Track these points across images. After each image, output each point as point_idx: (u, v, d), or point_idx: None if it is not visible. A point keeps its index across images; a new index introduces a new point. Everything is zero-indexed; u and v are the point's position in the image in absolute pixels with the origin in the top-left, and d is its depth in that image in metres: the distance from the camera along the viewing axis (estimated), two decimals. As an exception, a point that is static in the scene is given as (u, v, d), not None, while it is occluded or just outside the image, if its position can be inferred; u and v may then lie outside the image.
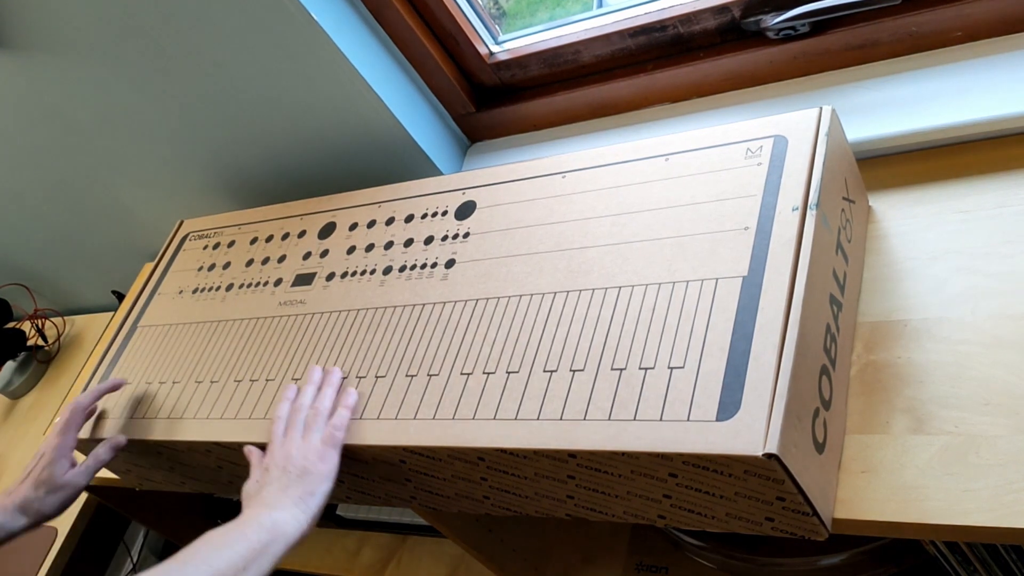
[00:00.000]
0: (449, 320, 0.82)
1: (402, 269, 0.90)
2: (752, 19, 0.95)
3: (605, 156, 0.86)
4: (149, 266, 1.48)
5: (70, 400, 0.97)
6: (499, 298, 0.80)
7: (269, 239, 1.06)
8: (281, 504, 0.73)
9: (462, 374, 0.77)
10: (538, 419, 0.70)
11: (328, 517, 1.32)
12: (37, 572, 1.27)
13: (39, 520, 0.90)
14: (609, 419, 0.67)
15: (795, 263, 0.67)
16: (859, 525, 0.66)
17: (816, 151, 0.74)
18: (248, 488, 0.77)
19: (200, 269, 1.09)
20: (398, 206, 0.97)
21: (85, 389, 1.04)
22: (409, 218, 0.95)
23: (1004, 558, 0.77)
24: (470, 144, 1.19)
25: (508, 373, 0.74)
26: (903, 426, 0.68)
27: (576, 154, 0.88)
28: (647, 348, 0.69)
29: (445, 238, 0.90)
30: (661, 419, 0.64)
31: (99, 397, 0.97)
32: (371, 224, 0.98)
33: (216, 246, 1.11)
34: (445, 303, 0.84)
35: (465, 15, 1.07)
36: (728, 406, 0.62)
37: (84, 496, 1.33)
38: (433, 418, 0.75)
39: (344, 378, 0.83)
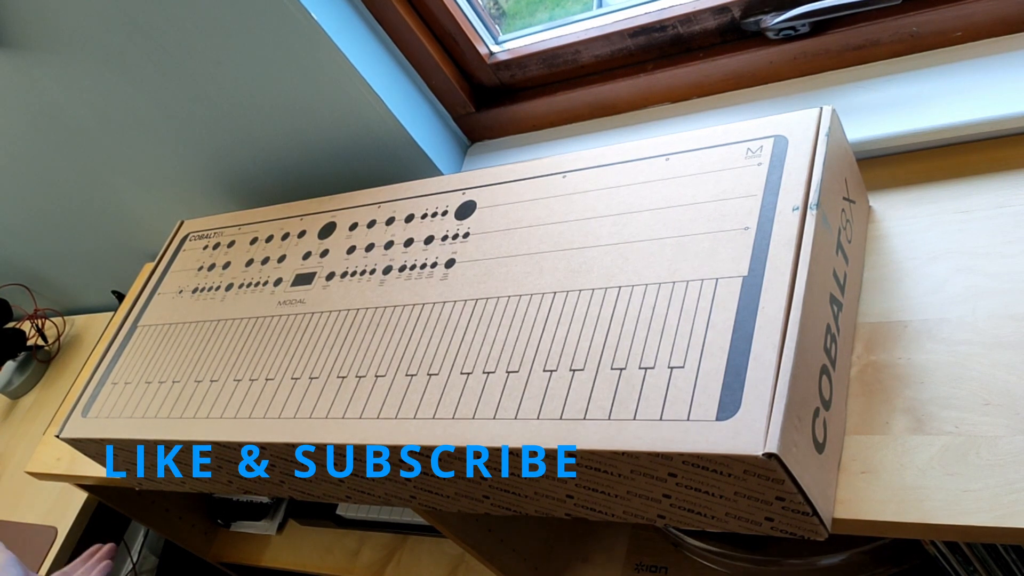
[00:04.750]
0: (449, 320, 0.82)
1: (402, 269, 0.90)
2: (752, 19, 0.95)
3: (605, 156, 0.86)
4: (149, 266, 1.48)
5: (69, 401, 0.97)
6: (499, 298, 0.80)
7: (269, 239, 1.06)
8: None
9: (462, 374, 0.77)
10: (538, 419, 0.70)
11: (328, 517, 1.32)
12: (37, 572, 1.27)
13: None
14: (609, 419, 0.67)
15: (795, 263, 0.67)
16: (859, 525, 0.66)
17: (816, 151, 0.74)
18: None
19: (200, 269, 1.09)
20: (398, 206, 0.97)
21: (85, 389, 1.04)
22: (409, 218, 0.95)
23: (1004, 558, 0.77)
24: (470, 144, 1.19)
25: (508, 373, 0.74)
26: (903, 426, 0.68)
27: (576, 154, 0.88)
28: (647, 348, 0.69)
29: (445, 238, 0.90)
30: (661, 419, 0.64)
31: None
32: (371, 224, 0.98)
33: (216, 246, 1.11)
34: (445, 303, 0.84)
35: (465, 15, 1.07)
36: (728, 406, 0.62)
37: (84, 496, 1.33)
38: (433, 417, 0.75)
39: (114, 547, 1.02)
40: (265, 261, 1.03)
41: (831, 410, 0.68)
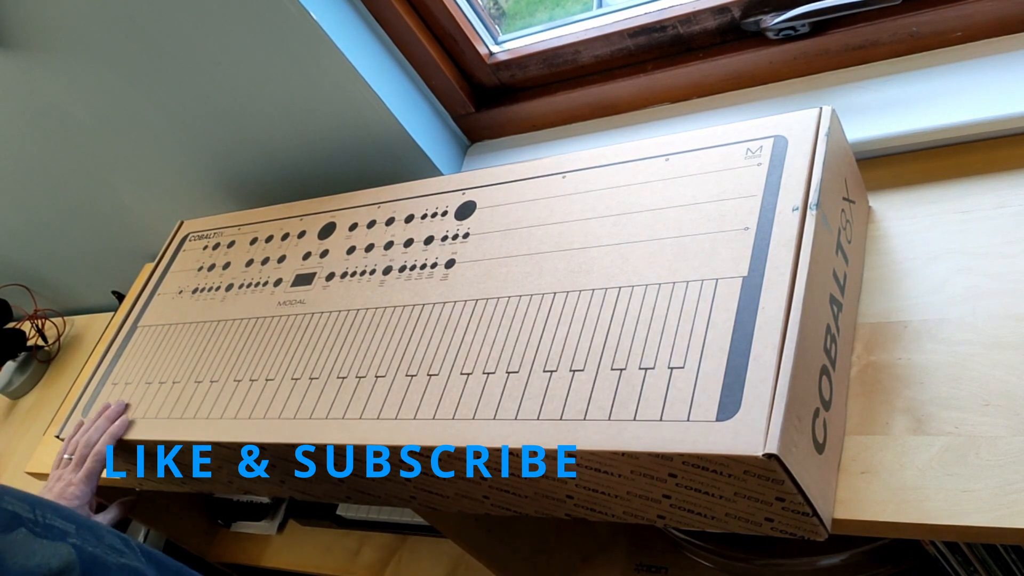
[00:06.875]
0: (449, 320, 0.82)
1: (402, 269, 0.90)
2: (752, 19, 0.95)
3: (605, 156, 0.86)
4: (149, 266, 1.48)
5: (69, 402, 0.97)
6: (499, 298, 0.80)
7: (269, 239, 1.06)
8: None
9: (462, 374, 0.77)
10: (538, 419, 0.70)
11: (328, 517, 1.32)
12: None
13: None
14: (609, 419, 0.67)
15: (795, 263, 0.67)
16: (859, 525, 0.66)
17: (816, 151, 0.74)
18: None
19: (200, 269, 1.09)
20: (398, 206, 0.97)
21: (85, 390, 1.04)
22: (409, 218, 0.95)
23: (1004, 558, 0.77)
24: (470, 144, 1.19)
25: (508, 373, 0.74)
26: (903, 427, 0.68)
27: (576, 154, 0.88)
28: (647, 348, 0.69)
29: (445, 238, 0.90)
30: (661, 419, 0.64)
31: (113, 437, 0.96)
32: (371, 224, 0.98)
33: (216, 246, 1.11)
34: (445, 303, 0.84)
35: (465, 15, 1.07)
36: (728, 406, 0.62)
37: (84, 496, 1.33)
38: (433, 418, 0.75)
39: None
40: (265, 261, 1.03)
41: (831, 410, 0.68)
